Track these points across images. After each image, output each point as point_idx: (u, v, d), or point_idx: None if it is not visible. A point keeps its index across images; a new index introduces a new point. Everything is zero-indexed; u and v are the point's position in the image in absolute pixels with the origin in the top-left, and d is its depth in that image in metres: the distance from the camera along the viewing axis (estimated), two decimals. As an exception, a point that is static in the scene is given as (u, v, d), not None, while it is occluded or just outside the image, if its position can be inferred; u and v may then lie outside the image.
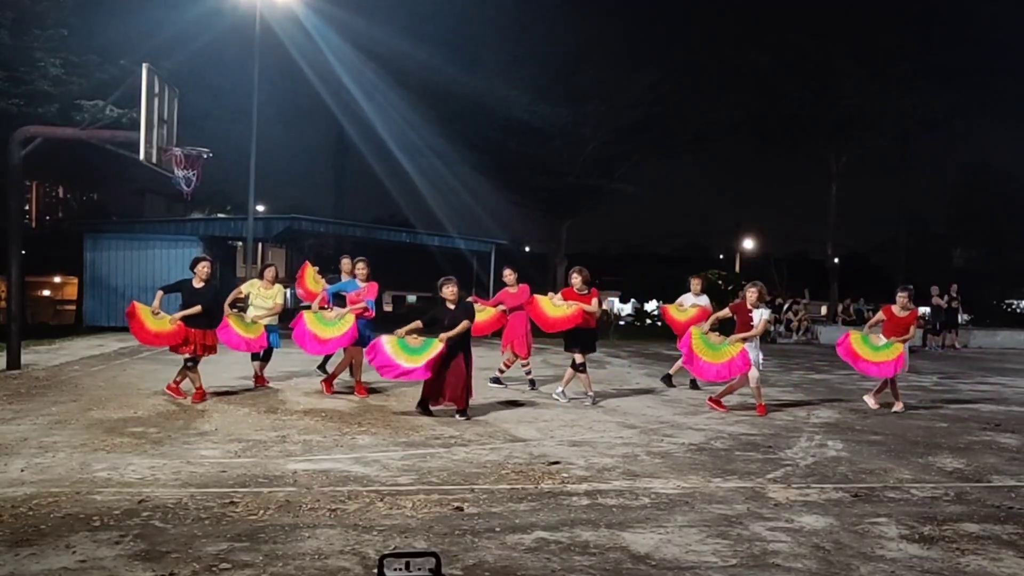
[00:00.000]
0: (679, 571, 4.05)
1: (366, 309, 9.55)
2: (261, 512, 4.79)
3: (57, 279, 33.88)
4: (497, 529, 4.60)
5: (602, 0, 31.12)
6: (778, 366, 14.45)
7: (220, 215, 31.86)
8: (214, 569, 3.89)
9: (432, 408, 8.31)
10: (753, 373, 8.99)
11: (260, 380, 10.16)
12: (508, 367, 10.63)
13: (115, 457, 6.14)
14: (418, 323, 8.35)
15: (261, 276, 10.26)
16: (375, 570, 2.64)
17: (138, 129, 11.02)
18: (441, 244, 27.94)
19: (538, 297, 9.94)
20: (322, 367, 10.76)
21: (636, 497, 5.39)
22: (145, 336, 9.05)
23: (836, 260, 33.46)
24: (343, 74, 28.29)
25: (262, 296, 9.91)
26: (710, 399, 9.38)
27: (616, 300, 37.68)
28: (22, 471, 5.66)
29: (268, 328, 9.84)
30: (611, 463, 6.39)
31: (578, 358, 9.49)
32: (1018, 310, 40.46)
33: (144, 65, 11.18)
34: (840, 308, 26.71)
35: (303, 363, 11.58)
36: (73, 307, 26.57)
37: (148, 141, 11.03)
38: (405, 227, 32.72)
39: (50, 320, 27.45)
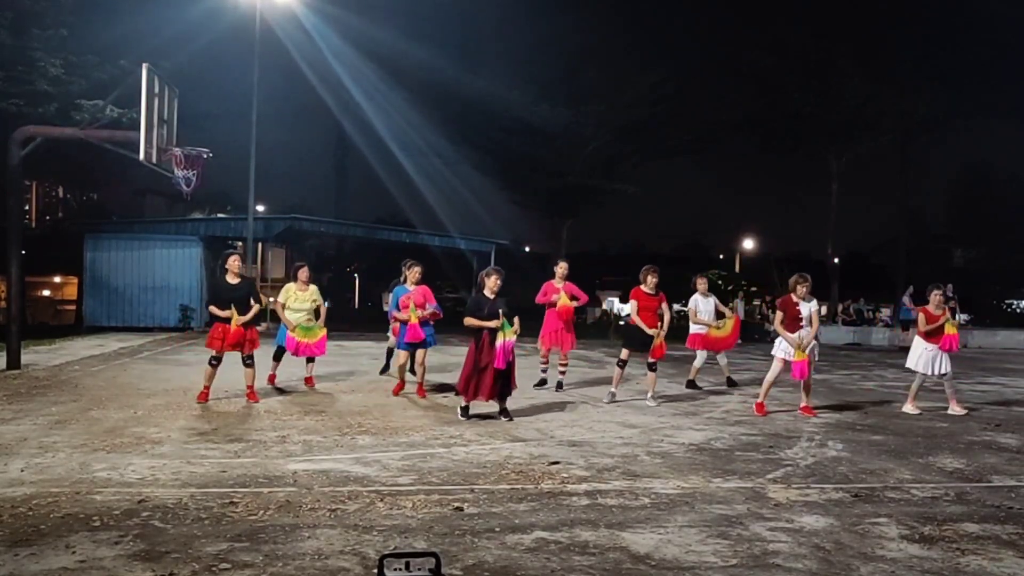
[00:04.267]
0: (679, 571, 4.05)
1: (434, 313, 9.60)
2: (261, 512, 4.79)
3: (57, 279, 33.90)
4: (497, 529, 4.60)
5: (604, 1, 31.10)
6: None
7: (220, 215, 31.89)
8: (214, 569, 3.89)
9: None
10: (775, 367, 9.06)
11: (309, 381, 10.21)
12: (564, 365, 10.69)
13: (115, 457, 6.14)
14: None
15: (295, 278, 10.04)
16: (375, 570, 2.63)
17: (138, 129, 11.03)
18: (442, 244, 27.95)
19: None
20: (411, 370, 10.85)
21: (636, 497, 5.39)
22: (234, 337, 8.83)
23: (836, 260, 33.48)
24: (343, 74, 28.33)
25: (299, 299, 9.82)
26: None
27: (616, 300, 37.71)
28: (22, 471, 5.66)
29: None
30: (611, 463, 6.38)
31: (624, 355, 9.55)
32: (1018, 310, 40.49)
33: (144, 65, 11.19)
34: (840, 308, 26.73)
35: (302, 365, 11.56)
36: (73, 307, 26.58)
37: (148, 141, 11.04)
38: (406, 227, 32.75)
39: (50, 320, 27.46)
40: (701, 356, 11.27)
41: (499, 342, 7.96)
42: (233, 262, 8.95)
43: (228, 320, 8.66)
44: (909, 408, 9.50)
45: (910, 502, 5.50)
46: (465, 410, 8.24)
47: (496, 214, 34.23)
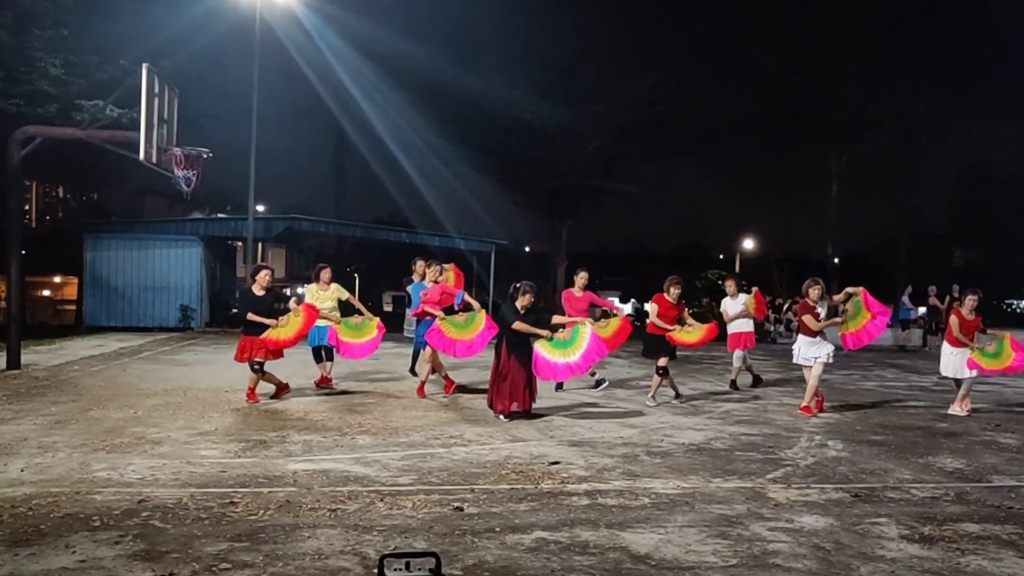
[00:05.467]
0: (679, 571, 4.05)
1: (464, 302, 9.62)
2: (261, 512, 4.79)
3: (57, 279, 33.89)
4: (497, 529, 4.60)
5: (604, 1, 31.14)
6: (778, 366, 14.46)
7: (220, 215, 31.89)
8: (214, 569, 3.89)
9: (508, 413, 8.23)
10: (816, 370, 9.12)
11: (325, 380, 10.16)
12: None
13: (115, 457, 6.14)
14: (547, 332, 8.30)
15: (316, 279, 10.13)
16: (375, 570, 2.63)
17: (138, 129, 11.03)
18: (441, 244, 27.94)
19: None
20: (412, 370, 10.97)
21: (636, 497, 5.39)
22: (284, 343, 9.00)
23: (836, 260, 33.48)
24: (343, 74, 28.30)
25: (320, 299, 9.87)
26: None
27: (616, 300, 37.71)
28: (22, 471, 5.66)
29: (327, 328, 9.92)
30: (611, 463, 6.38)
31: (662, 362, 9.58)
32: (1018, 310, 40.50)
33: (144, 65, 11.20)
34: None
35: (305, 364, 11.57)
36: (73, 307, 26.58)
37: (148, 141, 11.04)
38: (405, 227, 32.73)
39: (50, 320, 27.45)
40: (738, 357, 11.25)
41: (553, 357, 8.10)
42: (264, 277, 9.12)
43: (266, 328, 8.83)
44: (957, 410, 9.43)
45: (910, 502, 5.50)
46: (507, 415, 8.23)
47: (496, 214, 34.25)
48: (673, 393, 9.83)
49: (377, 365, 12.35)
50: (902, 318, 22.44)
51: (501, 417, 8.18)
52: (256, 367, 8.93)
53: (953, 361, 9.48)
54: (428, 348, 9.59)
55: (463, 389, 10.08)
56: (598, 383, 10.44)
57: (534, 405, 8.44)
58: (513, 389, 8.18)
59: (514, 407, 8.23)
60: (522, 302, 8.28)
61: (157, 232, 22.66)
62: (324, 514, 4.80)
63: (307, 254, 46.67)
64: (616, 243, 64.04)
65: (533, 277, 10.57)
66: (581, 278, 10.50)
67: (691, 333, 9.63)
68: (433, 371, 9.84)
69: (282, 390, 9.31)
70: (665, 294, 9.63)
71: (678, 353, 10.18)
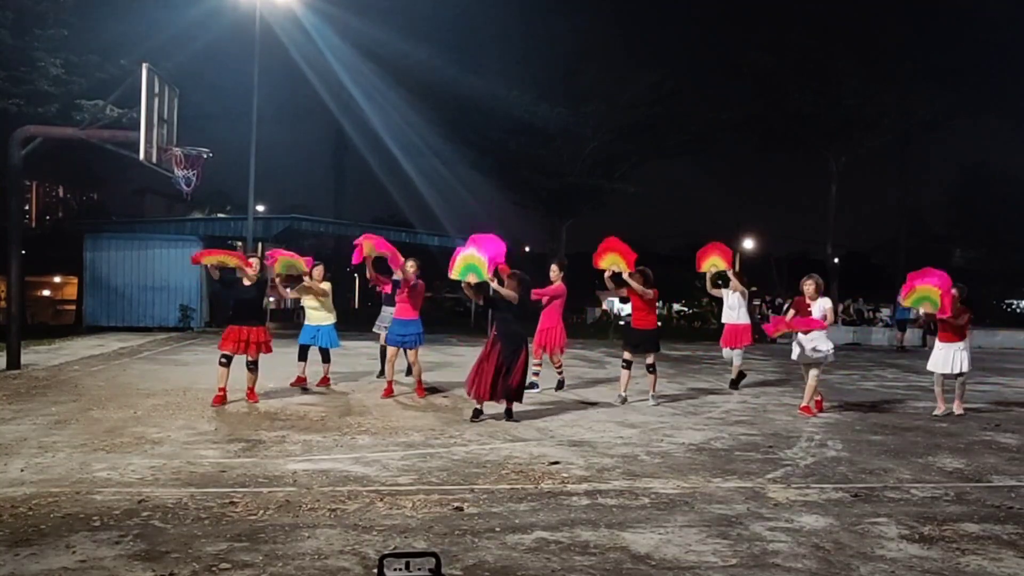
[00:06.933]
0: (679, 571, 4.05)
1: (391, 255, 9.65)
2: (261, 512, 4.79)
3: (57, 279, 33.91)
4: (497, 529, 4.60)
5: (603, 0, 31.16)
6: (778, 366, 14.46)
7: (220, 215, 31.88)
8: (214, 569, 3.89)
9: (480, 407, 8.18)
10: (815, 370, 9.12)
11: (324, 381, 10.28)
12: (559, 367, 10.66)
13: (115, 457, 6.14)
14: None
15: (310, 276, 10.31)
16: (375, 570, 2.64)
17: (138, 129, 11.03)
18: (441, 244, 27.89)
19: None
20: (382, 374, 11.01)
21: (636, 497, 5.39)
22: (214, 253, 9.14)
23: (836, 260, 33.47)
24: (343, 74, 28.30)
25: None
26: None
27: (616, 300, 37.71)
28: (22, 471, 5.66)
29: (324, 328, 10.19)
30: (611, 463, 6.38)
31: (648, 359, 9.59)
32: (1018, 310, 40.49)
33: (144, 65, 11.20)
34: (840, 308, 26.70)
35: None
36: (73, 307, 26.59)
37: (148, 141, 11.04)
38: (405, 227, 32.71)
39: (50, 320, 27.46)
40: (737, 355, 11.24)
41: None
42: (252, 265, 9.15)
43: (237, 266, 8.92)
44: (956, 409, 9.45)
45: (910, 502, 5.50)
46: (476, 412, 8.16)
47: (496, 214, 34.24)
48: (621, 392, 9.70)
49: (376, 365, 12.33)
50: (899, 318, 22.44)
51: (474, 406, 8.12)
52: (250, 365, 8.90)
53: (939, 356, 9.49)
54: (391, 348, 9.68)
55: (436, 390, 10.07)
56: (531, 385, 10.41)
57: (502, 403, 8.15)
58: (486, 379, 7.98)
59: (480, 395, 8.03)
60: (509, 284, 8.30)
61: (157, 232, 22.66)
62: (324, 514, 4.80)
63: (307, 254, 46.60)
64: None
65: (534, 277, 10.56)
66: (551, 271, 10.59)
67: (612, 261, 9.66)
68: (383, 373, 9.95)
69: (219, 398, 8.76)
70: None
71: (676, 355, 10.16)
